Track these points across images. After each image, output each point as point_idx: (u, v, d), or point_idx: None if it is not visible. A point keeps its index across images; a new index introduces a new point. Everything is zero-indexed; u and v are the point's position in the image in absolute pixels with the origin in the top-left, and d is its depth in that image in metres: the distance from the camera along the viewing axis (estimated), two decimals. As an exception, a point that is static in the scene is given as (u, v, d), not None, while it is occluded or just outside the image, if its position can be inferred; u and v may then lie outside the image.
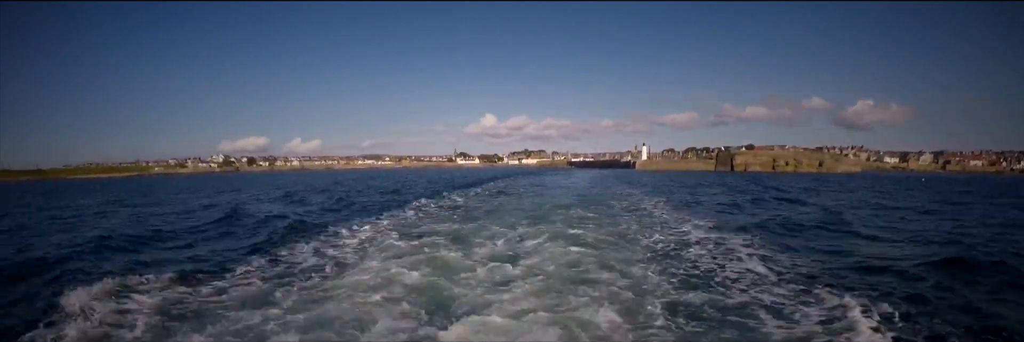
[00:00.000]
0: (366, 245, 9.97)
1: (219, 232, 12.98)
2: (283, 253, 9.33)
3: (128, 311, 5.95)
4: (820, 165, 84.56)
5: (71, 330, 5.21)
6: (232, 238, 12.00)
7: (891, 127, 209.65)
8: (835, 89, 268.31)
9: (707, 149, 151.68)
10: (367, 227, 12.56)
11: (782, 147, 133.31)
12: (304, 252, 9.38)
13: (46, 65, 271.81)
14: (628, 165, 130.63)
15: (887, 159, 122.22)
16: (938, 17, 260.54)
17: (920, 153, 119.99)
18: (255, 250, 9.79)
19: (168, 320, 5.70)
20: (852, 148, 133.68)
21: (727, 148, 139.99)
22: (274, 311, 5.79)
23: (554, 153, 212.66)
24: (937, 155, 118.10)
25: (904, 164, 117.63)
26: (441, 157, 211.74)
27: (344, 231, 11.74)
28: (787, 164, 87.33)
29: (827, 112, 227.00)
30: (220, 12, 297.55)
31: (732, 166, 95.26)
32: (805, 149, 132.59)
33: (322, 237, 11.00)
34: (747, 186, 35.40)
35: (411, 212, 16.21)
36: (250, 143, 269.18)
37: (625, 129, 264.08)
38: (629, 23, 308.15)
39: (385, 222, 13.58)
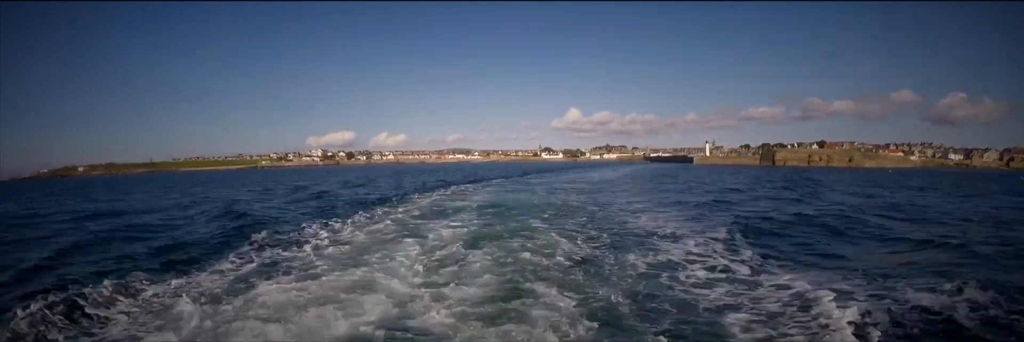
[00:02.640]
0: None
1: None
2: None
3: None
4: (850, 161, 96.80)
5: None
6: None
7: (985, 124, 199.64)
8: (927, 83, 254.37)
9: (781, 144, 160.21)
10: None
11: (851, 143, 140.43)
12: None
13: (141, 68, 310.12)
14: (690, 160, 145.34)
15: (951, 156, 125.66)
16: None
17: (986, 150, 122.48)
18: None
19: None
20: (921, 144, 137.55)
21: (800, 144, 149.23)
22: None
23: (634, 148, 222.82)
24: (1005, 152, 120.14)
25: (967, 161, 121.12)
26: (527, 151, 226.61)
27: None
28: (820, 160, 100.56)
29: (916, 106, 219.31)
30: (299, 11, 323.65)
31: (773, 161, 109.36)
32: (874, 146, 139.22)
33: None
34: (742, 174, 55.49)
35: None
36: (338, 138, 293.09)
37: (710, 124, 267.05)
38: (715, 19, 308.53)
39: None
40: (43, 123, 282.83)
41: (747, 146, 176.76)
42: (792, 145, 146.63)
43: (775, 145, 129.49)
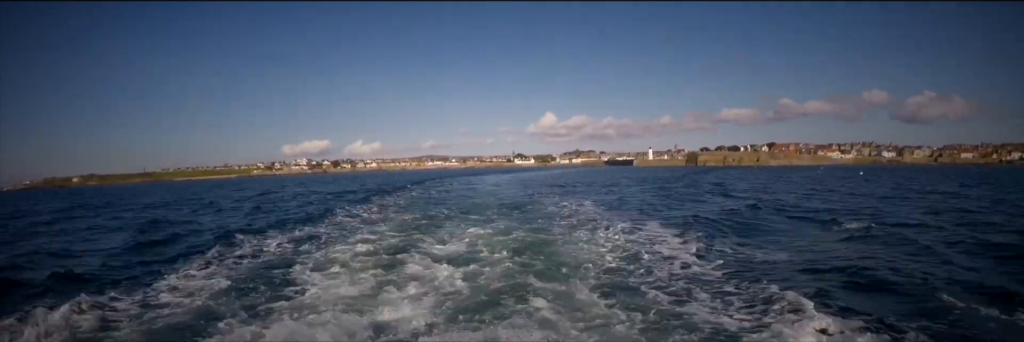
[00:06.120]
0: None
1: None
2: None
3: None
4: (757, 161, 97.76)
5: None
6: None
7: (955, 122, 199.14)
8: (897, 83, 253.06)
9: (735, 147, 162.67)
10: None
11: (796, 144, 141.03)
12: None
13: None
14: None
15: (884, 154, 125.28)
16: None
17: (917, 147, 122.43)
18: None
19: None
20: (860, 143, 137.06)
21: (752, 146, 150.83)
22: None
23: (602, 153, 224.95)
24: (938, 150, 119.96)
25: (899, 158, 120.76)
26: (501, 157, 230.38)
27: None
28: (733, 160, 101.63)
29: (887, 106, 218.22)
30: (267, 15, 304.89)
31: (696, 163, 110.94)
32: (817, 146, 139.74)
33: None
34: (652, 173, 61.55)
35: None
36: (313, 146, 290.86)
37: (685, 126, 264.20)
38: (689, 21, 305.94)
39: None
40: (21, 133, 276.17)
41: (706, 148, 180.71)
42: (745, 148, 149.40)
43: (700, 149, 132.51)
